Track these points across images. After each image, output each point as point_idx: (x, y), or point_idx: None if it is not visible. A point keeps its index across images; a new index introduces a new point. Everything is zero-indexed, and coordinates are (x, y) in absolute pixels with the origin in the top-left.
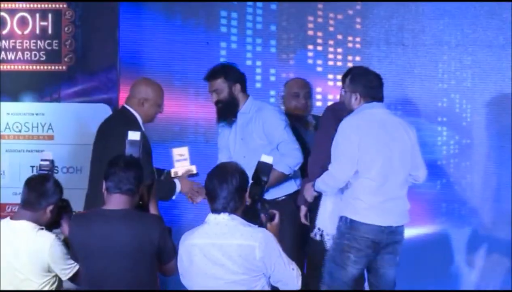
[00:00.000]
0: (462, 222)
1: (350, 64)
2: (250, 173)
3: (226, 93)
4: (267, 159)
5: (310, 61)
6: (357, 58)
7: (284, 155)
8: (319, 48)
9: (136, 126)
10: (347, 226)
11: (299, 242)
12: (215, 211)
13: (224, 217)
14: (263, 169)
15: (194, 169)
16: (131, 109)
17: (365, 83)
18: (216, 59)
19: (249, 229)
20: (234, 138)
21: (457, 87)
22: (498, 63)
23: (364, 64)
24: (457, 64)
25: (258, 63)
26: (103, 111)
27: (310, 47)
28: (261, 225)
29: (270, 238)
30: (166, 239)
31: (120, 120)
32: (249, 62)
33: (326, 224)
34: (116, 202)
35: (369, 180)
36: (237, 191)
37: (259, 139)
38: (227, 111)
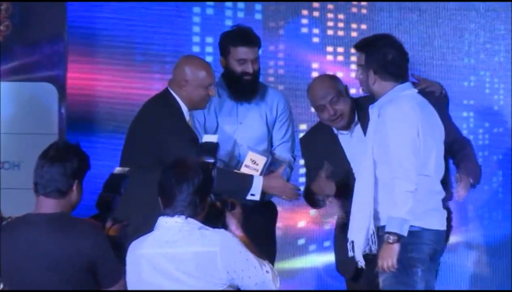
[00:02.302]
0: (494, 230)
1: (354, 34)
2: None
3: (258, 66)
4: (210, 138)
5: (304, 30)
6: (363, 27)
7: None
8: (316, 14)
9: (177, 115)
10: (408, 234)
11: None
12: (167, 214)
13: (177, 220)
14: (208, 149)
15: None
16: (173, 93)
17: (380, 57)
18: (188, 28)
19: (207, 233)
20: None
21: (487, 63)
22: None
23: (371, 33)
24: (487, 35)
25: None
26: (48, 92)
27: (305, 12)
28: (219, 215)
29: (231, 241)
30: (106, 254)
31: (159, 107)
32: None
33: (358, 235)
34: (44, 205)
35: (425, 176)
36: (198, 192)
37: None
38: (255, 87)
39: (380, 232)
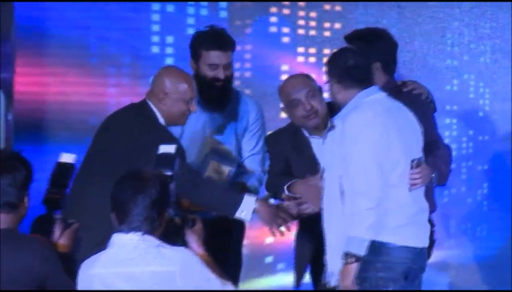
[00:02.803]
0: (478, 247)
1: (327, 34)
2: None
3: (231, 71)
4: (167, 148)
5: (273, 29)
6: (337, 26)
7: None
8: (286, 11)
9: (153, 127)
10: (375, 251)
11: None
12: (122, 230)
13: (132, 237)
14: (164, 161)
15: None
16: (151, 106)
17: (341, 64)
18: (146, 27)
19: (165, 251)
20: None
21: (471, 65)
22: None
23: (346, 33)
24: (472, 34)
25: None
26: None
27: (274, 10)
28: (178, 232)
29: (192, 260)
30: (56, 271)
31: (134, 118)
32: (191, 31)
33: (336, 262)
34: None
35: (391, 187)
36: (156, 206)
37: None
38: (227, 94)
39: None
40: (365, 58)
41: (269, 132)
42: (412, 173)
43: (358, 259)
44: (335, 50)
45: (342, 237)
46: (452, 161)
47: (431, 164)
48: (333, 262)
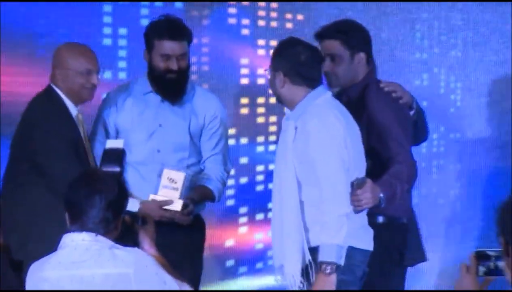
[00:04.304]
0: (450, 254)
1: (289, 25)
2: None
3: (187, 62)
4: (115, 143)
5: (232, 20)
6: (299, 17)
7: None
8: (245, 2)
9: (57, 112)
10: None
11: None
12: (74, 230)
13: (84, 237)
14: (112, 156)
15: (179, 206)
16: (54, 87)
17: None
18: (97, 18)
19: (118, 252)
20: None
21: (442, 58)
22: (501, 23)
23: (309, 25)
24: (442, 25)
25: None
26: None
27: (232, 1)
28: (127, 231)
29: (147, 261)
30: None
31: (37, 106)
32: (145, 22)
33: (291, 262)
34: None
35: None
36: (111, 206)
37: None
38: (181, 87)
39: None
40: (318, 55)
41: None
42: (355, 195)
43: (337, 268)
44: (283, 40)
45: (301, 243)
46: (412, 179)
47: (382, 183)
48: (288, 261)
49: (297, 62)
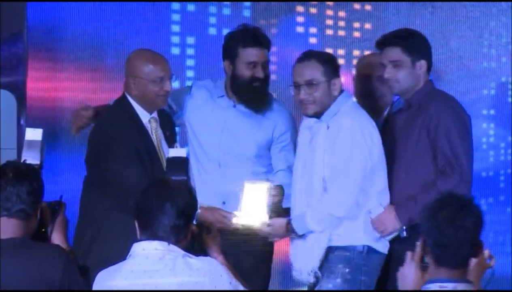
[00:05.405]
0: None
1: (357, 34)
2: None
3: (269, 71)
4: (178, 152)
5: (300, 29)
6: (367, 26)
7: None
8: (313, 10)
9: (127, 121)
10: (363, 256)
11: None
12: (145, 239)
13: (157, 246)
14: (176, 165)
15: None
16: (127, 95)
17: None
18: (166, 26)
19: (192, 261)
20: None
21: (510, 67)
22: None
23: (377, 34)
24: (510, 34)
25: (226, 31)
26: (6, 101)
27: (300, 9)
28: (194, 241)
29: (221, 270)
30: (74, 279)
31: (108, 116)
32: (213, 31)
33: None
34: (3, 228)
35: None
36: (182, 214)
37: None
38: (266, 96)
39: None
40: None
41: None
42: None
43: (296, 235)
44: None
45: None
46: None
47: (402, 211)
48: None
49: None
